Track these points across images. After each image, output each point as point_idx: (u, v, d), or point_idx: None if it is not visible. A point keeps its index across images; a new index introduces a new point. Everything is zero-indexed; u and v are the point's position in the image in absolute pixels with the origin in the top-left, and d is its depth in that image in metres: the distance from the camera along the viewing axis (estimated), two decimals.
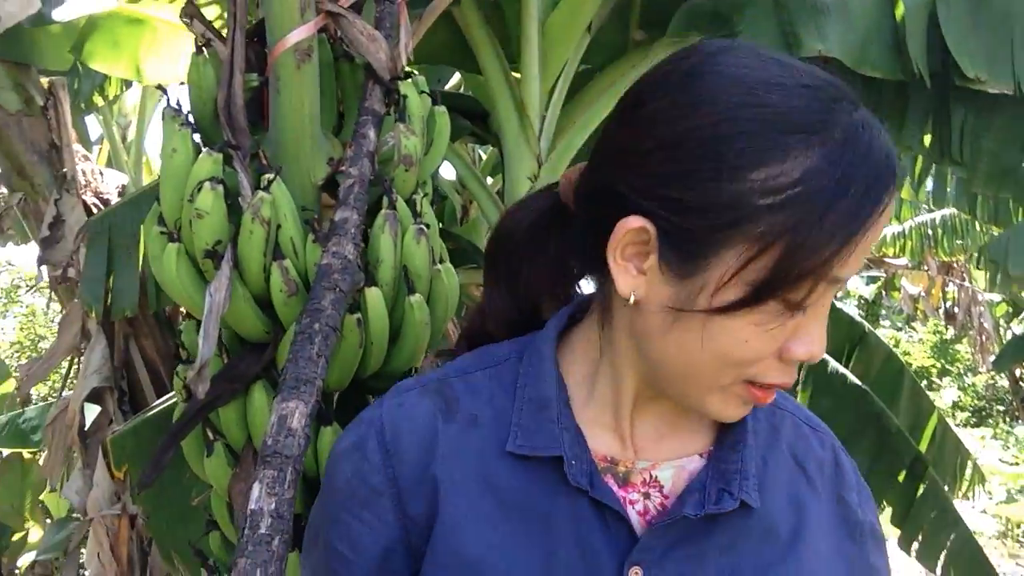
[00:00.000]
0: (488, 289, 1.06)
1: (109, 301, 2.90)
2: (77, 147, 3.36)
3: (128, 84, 5.39)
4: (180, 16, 1.65)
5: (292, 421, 1.14)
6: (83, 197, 3.25)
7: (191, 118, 1.53)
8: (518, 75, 2.93)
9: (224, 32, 1.66)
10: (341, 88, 1.78)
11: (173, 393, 2.86)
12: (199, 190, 1.37)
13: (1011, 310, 14.75)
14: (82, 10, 3.22)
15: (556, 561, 0.85)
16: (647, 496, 0.89)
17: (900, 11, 2.77)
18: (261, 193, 1.38)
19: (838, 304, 4.45)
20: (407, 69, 1.66)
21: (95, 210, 3.24)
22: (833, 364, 3.69)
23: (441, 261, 1.61)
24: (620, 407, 0.91)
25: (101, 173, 3.41)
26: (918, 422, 3.86)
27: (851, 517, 0.95)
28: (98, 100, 4.98)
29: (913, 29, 2.71)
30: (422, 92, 1.66)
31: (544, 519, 0.86)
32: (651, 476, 0.90)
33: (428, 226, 1.53)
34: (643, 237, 0.80)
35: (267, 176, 1.41)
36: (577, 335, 0.97)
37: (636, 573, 0.84)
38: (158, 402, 2.65)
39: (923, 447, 3.66)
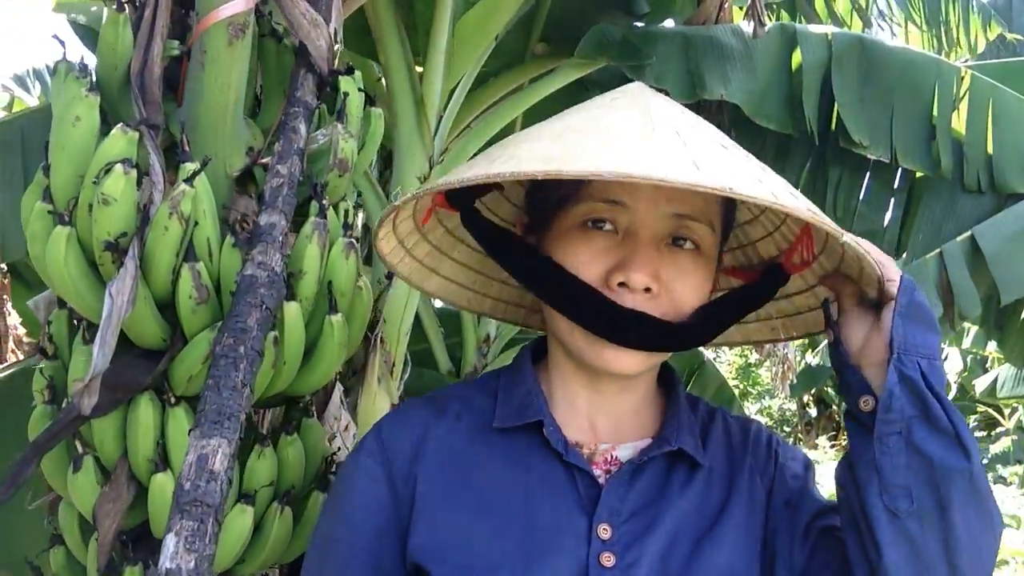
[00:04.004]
0: None
1: None
2: None
3: None
4: None
5: (214, 462, 0.99)
6: None
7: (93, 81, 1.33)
8: (420, 69, 2.80)
9: None
10: (263, 68, 1.61)
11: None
12: (107, 172, 1.18)
13: (807, 342, 16.03)
14: None
15: (535, 521, 1.00)
16: (608, 472, 1.06)
17: (798, 69, 2.88)
18: (183, 186, 1.21)
19: None
20: (348, 63, 1.52)
21: None
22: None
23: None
24: (575, 396, 1.10)
25: None
26: None
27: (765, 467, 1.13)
28: None
29: (809, 88, 2.82)
30: (360, 90, 1.52)
31: (523, 485, 1.02)
32: (612, 456, 1.07)
33: (358, 240, 1.40)
34: None
35: (191, 166, 1.24)
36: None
37: (604, 529, 0.99)
38: None
39: None
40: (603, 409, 1.10)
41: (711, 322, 1.05)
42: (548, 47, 3.29)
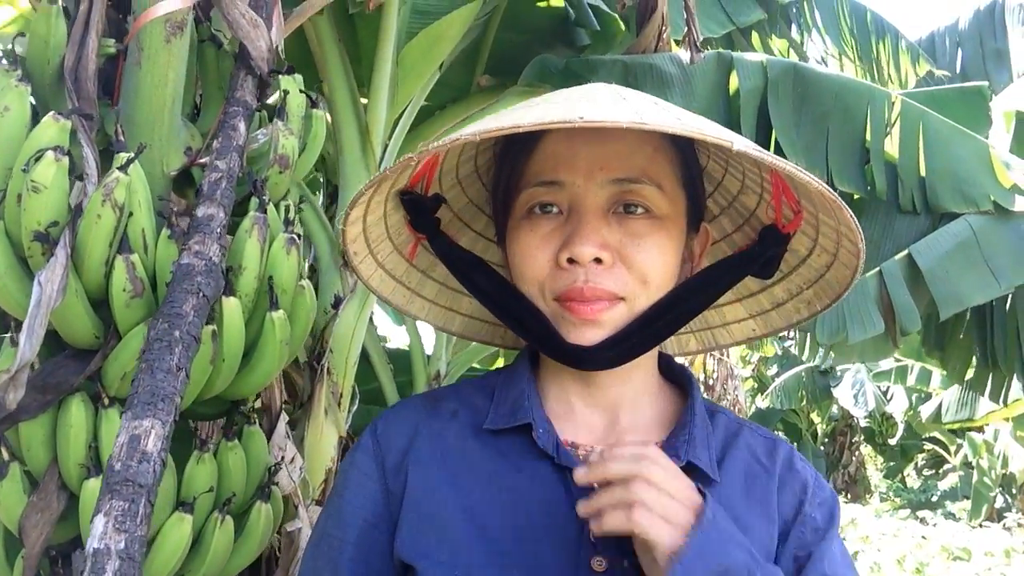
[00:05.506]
0: None
1: None
2: None
3: None
4: None
5: (147, 443, 0.95)
6: None
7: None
8: (365, 100, 2.81)
9: None
10: (202, 74, 1.59)
11: None
12: (38, 159, 1.15)
13: (756, 386, 16.18)
14: None
15: (523, 522, 0.96)
16: None
17: (736, 95, 2.95)
18: (117, 173, 1.17)
19: None
20: (288, 64, 1.52)
21: None
22: None
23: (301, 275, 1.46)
24: (567, 392, 1.07)
25: None
26: None
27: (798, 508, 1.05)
28: None
29: (746, 113, 2.89)
30: (301, 91, 1.52)
31: (512, 486, 0.99)
32: None
33: (299, 236, 1.38)
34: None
35: (126, 155, 1.21)
36: None
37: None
38: None
39: None
40: (597, 403, 1.07)
41: (659, 319, 1.01)
42: (492, 79, 3.33)
